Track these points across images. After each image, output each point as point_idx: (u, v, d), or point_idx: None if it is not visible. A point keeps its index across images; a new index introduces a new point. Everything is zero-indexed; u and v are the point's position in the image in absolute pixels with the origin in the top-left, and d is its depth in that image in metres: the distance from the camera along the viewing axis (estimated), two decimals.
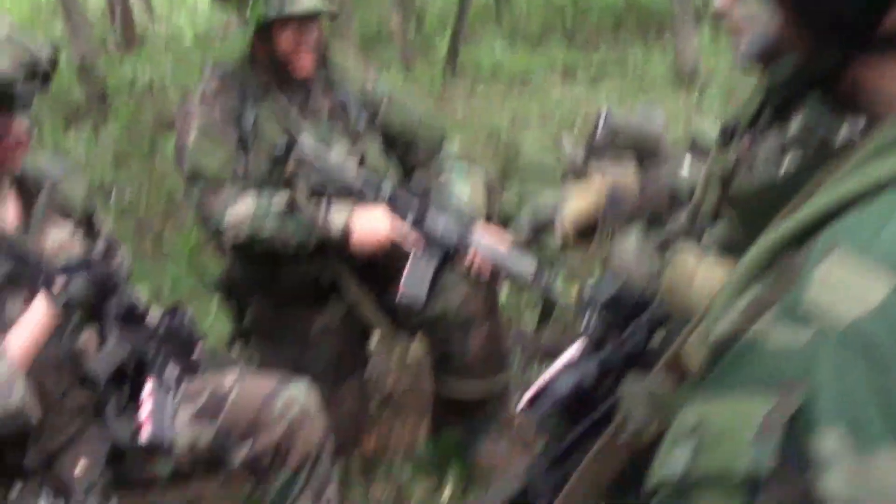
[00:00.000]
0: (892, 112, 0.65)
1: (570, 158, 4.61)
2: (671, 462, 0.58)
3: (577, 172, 4.58)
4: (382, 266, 2.45)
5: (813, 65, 0.73)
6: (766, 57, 1.57)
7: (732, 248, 1.49)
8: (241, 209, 2.30)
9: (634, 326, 0.97)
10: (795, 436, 0.52)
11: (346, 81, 2.51)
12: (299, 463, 1.85)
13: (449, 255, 2.35)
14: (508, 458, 2.54)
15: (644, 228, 3.44)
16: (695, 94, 7.64)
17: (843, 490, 0.50)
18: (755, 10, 1.51)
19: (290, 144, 2.36)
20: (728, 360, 0.58)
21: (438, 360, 2.46)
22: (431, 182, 2.51)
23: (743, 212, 0.83)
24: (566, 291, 2.41)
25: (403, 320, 2.47)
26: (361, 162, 2.45)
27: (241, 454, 1.84)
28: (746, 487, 0.53)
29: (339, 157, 2.40)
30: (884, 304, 0.52)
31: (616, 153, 4.86)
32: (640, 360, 0.96)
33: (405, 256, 2.36)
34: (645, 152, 4.89)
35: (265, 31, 2.37)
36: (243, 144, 2.38)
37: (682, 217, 1.76)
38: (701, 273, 1.46)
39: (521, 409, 1.02)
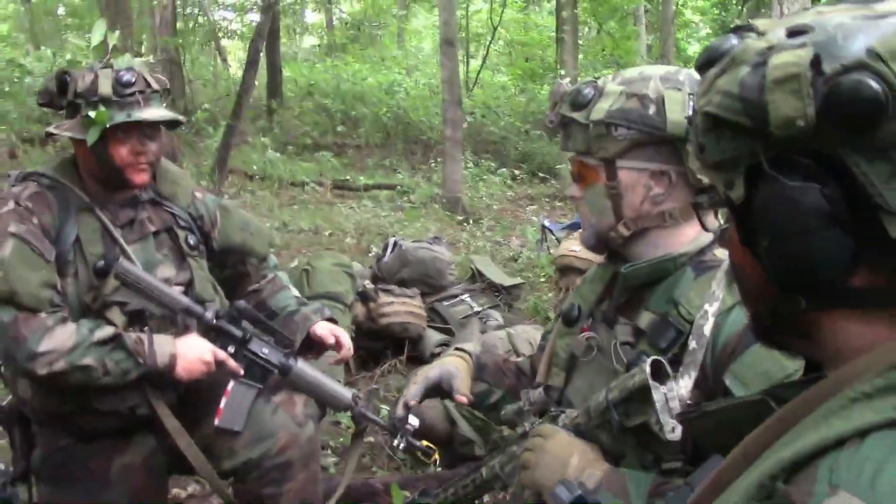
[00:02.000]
0: (843, 358, 0.75)
1: (360, 285, 4.65)
2: None
3: (365, 297, 4.64)
4: (196, 401, 2.30)
5: (774, 309, 0.81)
6: (596, 249, 1.74)
7: (579, 434, 1.60)
8: (59, 338, 2.07)
9: None
10: None
11: (176, 196, 2.38)
12: None
13: (268, 384, 2.29)
14: None
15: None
16: (466, 223, 8.01)
17: None
18: (590, 211, 1.68)
19: (111, 264, 2.17)
20: None
21: None
22: (263, 294, 2.49)
23: (701, 428, 0.91)
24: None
25: (218, 460, 2.31)
26: (189, 285, 2.31)
27: None
28: None
29: (163, 279, 2.25)
30: None
31: (401, 280, 4.97)
32: None
33: (220, 392, 2.26)
34: (431, 283, 5.05)
35: (100, 140, 2.18)
36: (61, 264, 2.16)
37: (533, 393, 1.84)
38: (576, 456, 1.53)
39: None
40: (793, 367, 0.95)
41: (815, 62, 0.71)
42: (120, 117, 2.13)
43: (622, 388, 1.49)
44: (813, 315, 0.78)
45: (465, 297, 4.74)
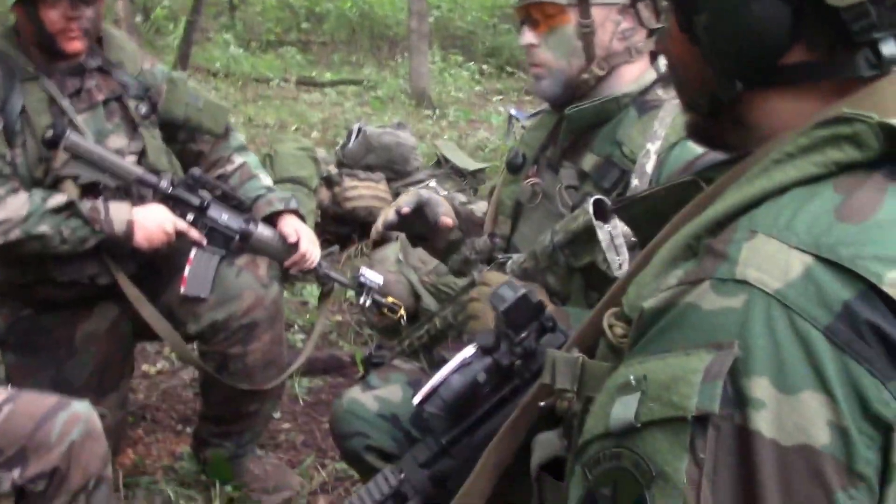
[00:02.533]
0: (769, 139, 0.76)
1: (324, 170, 4.63)
2: (616, 413, 0.67)
3: (330, 182, 4.63)
4: (157, 268, 2.31)
5: (712, 97, 0.82)
6: (560, 98, 1.71)
7: (527, 278, 1.62)
8: (12, 207, 2.04)
9: (528, 331, 1.01)
10: (734, 381, 0.64)
11: (124, 64, 2.32)
12: (77, 489, 1.67)
13: (231, 249, 2.28)
14: (276, 474, 2.48)
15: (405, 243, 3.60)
16: (433, 115, 7.94)
17: (773, 424, 0.62)
18: (555, 56, 1.65)
19: (59, 135, 2.14)
20: (662, 326, 0.69)
21: (215, 368, 2.34)
22: (232, 182, 2.41)
23: (633, 216, 0.93)
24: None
25: (183, 325, 2.33)
26: (142, 155, 2.28)
27: (9, 479, 1.63)
28: (695, 424, 0.63)
29: (115, 150, 2.22)
30: (802, 276, 0.65)
31: (366, 165, 4.96)
32: (531, 359, 1.01)
33: (182, 258, 2.26)
34: (396, 168, 5.04)
35: (31, 4, 2.07)
36: (8, 134, 2.12)
37: (478, 241, 1.85)
38: None
39: (416, 405, 1.02)
40: None
41: None
42: None
43: (566, 230, 1.50)
44: (748, 97, 0.79)
45: (431, 182, 4.73)
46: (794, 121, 0.75)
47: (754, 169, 0.72)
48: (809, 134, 0.70)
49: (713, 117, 0.83)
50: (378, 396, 1.81)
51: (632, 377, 0.67)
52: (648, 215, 0.88)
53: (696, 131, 0.89)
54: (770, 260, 0.65)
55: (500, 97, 9.08)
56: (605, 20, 1.60)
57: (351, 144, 4.81)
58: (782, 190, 0.69)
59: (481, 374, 1.00)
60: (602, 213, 1.47)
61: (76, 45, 2.15)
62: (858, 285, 0.63)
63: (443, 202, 1.86)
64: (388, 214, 1.82)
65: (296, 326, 3.46)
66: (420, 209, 1.82)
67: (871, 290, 0.63)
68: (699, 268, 0.68)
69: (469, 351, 1.02)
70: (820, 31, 0.73)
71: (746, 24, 0.74)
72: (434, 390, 1.00)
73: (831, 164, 0.68)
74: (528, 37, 1.65)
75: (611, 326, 0.75)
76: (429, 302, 3.33)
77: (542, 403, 0.83)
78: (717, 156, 0.89)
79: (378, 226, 1.86)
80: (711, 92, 0.81)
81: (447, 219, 1.81)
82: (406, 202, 1.81)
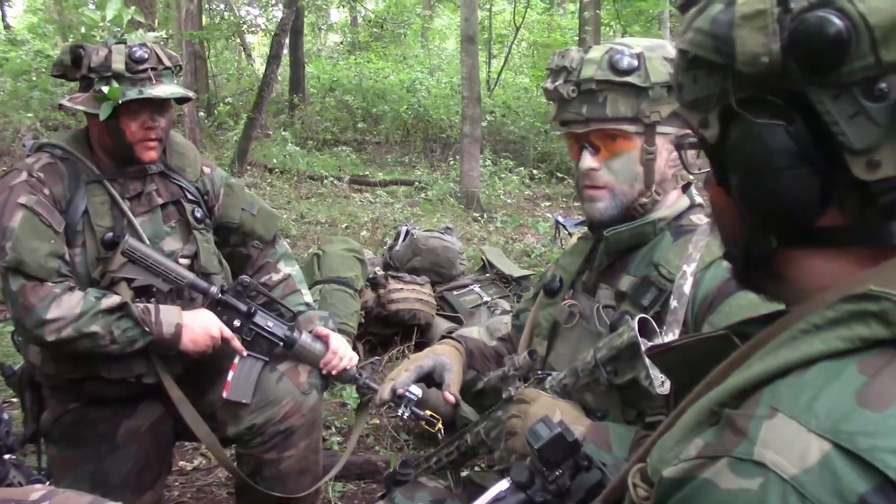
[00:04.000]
0: (810, 296, 0.76)
1: (370, 271, 4.68)
2: None
3: (375, 284, 4.67)
4: (203, 370, 2.35)
5: (746, 249, 0.82)
6: (614, 220, 1.73)
7: (566, 395, 1.62)
8: (67, 305, 2.11)
9: (562, 468, 1.01)
10: None
11: (184, 170, 2.43)
12: None
13: (274, 356, 2.35)
14: None
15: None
16: (481, 218, 8.03)
17: None
18: (618, 180, 1.67)
19: (118, 238, 2.22)
20: (680, 499, 0.69)
21: (250, 472, 2.35)
22: (274, 293, 2.50)
23: (666, 363, 0.93)
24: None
25: (223, 427, 2.35)
26: (194, 257, 2.36)
27: None
28: None
29: (169, 253, 2.29)
30: (819, 463, 0.64)
31: (412, 268, 5.00)
32: (565, 497, 1.00)
33: (227, 361, 2.31)
34: (441, 272, 5.07)
35: (112, 114, 2.21)
36: (70, 234, 2.21)
37: (518, 358, 1.85)
38: (560, 414, 1.56)
39: None
40: None
41: None
42: (132, 93, 2.17)
43: (610, 347, 1.51)
44: (784, 254, 0.79)
45: (475, 286, 4.77)
46: (831, 280, 0.75)
47: (783, 336, 0.72)
48: (837, 308, 0.70)
49: (750, 266, 0.84)
50: None
51: None
52: (682, 362, 0.88)
53: (736, 276, 0.89)
54: (788, 443, 0.65)
55: (549, 203, 9.17)
56: (662, 148, 1.64)
57: (398, 247, 4.89)
58: (808, 362, 0.69)
59: None
60: (646, 330, 1.47)
61: (151, 154, 2.27)
62: (875, 478, 0.62)
63: (453, 362, 1.87)
64: (383, 392, 1.88)
65: (333, 428, 3.46)
66: (429, 376, 1.86)
67: (888, 484, 0.62)
68: (719, 442, 0.68)
69: (503, 485, 1.02)
70: (851, 198, 0.73)
71: (775, 191, 0.74)
72: None
73: (857, 340, 0.68)
74: (590, 161, 1.66)
75: (634, 486, 0.75)
76: (466, 410, 3.31)
77: None
78: None
79: (378, 399, 1.93)
80: (746, 243, 0.82)
81: (450, 396, 1.82)
82: (402, 382, 1.85)
